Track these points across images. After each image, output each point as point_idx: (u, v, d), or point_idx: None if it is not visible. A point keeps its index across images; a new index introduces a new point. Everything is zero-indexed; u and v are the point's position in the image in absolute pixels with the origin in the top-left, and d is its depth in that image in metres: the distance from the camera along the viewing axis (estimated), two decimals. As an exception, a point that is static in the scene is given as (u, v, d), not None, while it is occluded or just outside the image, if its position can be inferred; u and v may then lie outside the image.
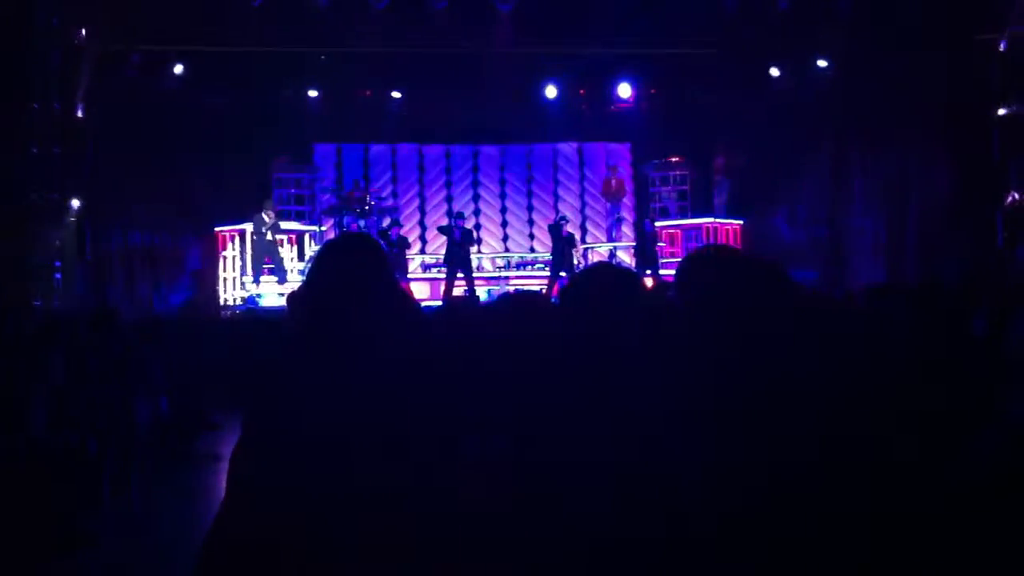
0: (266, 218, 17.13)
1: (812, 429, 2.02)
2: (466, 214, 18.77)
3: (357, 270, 2.44)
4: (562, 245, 17.60)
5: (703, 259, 2.42)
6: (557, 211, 20.51)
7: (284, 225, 17.97)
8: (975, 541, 2.01)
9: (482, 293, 17.04)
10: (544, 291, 15.75)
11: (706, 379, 2.13)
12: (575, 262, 17.77)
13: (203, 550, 2.21)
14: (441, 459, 2.19)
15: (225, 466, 2.34)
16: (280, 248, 17.52)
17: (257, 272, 17.26)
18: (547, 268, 18.34)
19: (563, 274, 16.95)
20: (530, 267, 19.85)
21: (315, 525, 2.13)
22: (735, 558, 1.96)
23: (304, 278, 2.60)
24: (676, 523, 1.99)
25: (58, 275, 14.68)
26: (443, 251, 17.78)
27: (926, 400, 2.53)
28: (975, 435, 2.32)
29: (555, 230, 17.81)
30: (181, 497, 8.17)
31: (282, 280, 16.91)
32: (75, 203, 15.46)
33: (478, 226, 20.71)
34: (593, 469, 2.09)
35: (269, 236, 17.15)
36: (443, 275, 17.48)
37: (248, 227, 17.45)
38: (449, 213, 19.42)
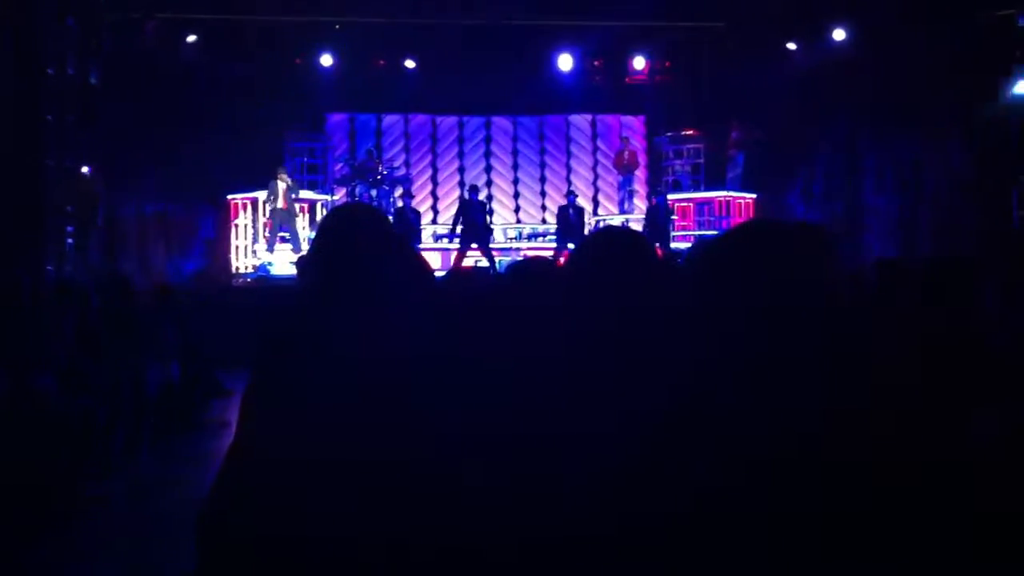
0: (281, 184, 17.16)
1: (819, 403, 2.01)
2: (479, 186, 18.77)
3: (364, 232, 2.45)
4: (568, 219, 17.64)
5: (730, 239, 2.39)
6: (569, 183, 20.57)
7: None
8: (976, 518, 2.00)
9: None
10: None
11: (717, 347, 2.12)
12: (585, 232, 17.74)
13: (207, 503, 2.23)
14: (443, 427, 2.19)
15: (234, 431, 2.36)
16: (296, 217, 17.53)
17: (272, 240, 17.29)
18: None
19: (571, 246, 16.94)
20: (542, 238, 19.83)
21: (318, 485, 2.14)
22: (747, 536, 1.95)
23: (311, 242, 2.63)
24: (683, 496, 1.99)
25: (70, 241, 14.72)
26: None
27: (933, 376, 2.52)
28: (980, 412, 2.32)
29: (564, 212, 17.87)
30: (191, 462, 8.22)
31: (296, 248, 16.92)
32: (88, 170, 15.47)
33: (490, 197, 20.70)
34: (597, 438, 2.09)
35: (281, 203, 17.15)
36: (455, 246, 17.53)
37: (261, 195, 17.46)
38: (462, 185, 19.44)
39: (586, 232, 17.74)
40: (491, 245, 17.70)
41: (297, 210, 17.63)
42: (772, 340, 2.06)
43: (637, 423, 2.06)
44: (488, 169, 21.14)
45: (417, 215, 18.16)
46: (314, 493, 2.15)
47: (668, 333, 2.19)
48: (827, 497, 1.93)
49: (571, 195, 18.44)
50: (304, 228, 17.85)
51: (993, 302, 4.24)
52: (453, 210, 18.66)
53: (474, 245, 16.99)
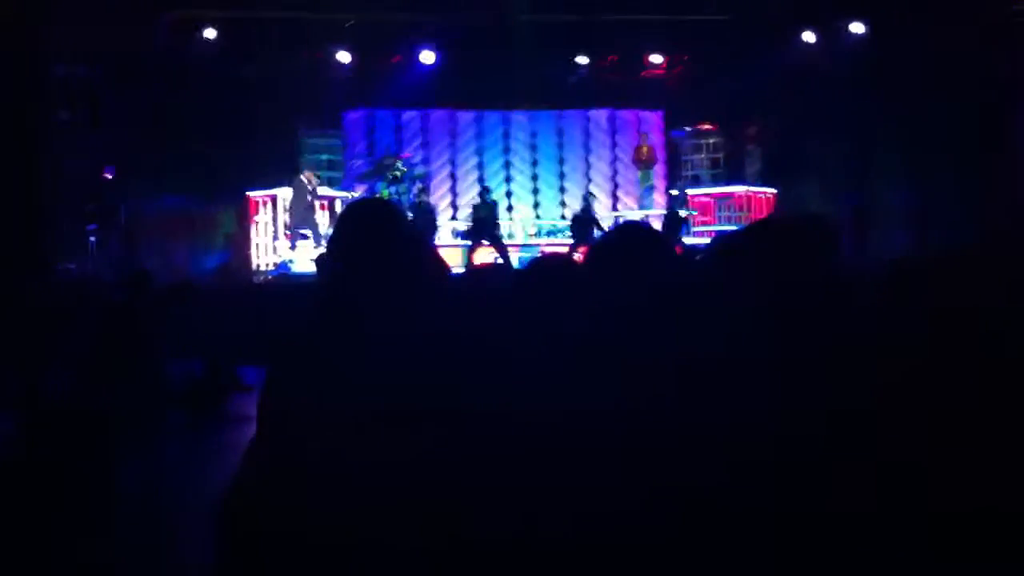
0: (306, 181, 17.20)
1: (823, 401, 2.02)
2: (492, 187, 18.92)
3: (381, 229, 2.47)
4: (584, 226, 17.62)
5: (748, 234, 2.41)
6: (589, 179, 20.59)
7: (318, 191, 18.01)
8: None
9: (513, 259, 17.01)
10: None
11: (734, 343, 2.14)
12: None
13: (226, 495, 2.26)
14: (462, 423, 2.21)
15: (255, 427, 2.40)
16: (317, 213, 17.59)
17: (295, 237, 17.30)
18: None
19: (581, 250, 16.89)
20: (561, 234, 19.79)
21: (337, 478, 2.17)
22: (753, 534, 1.97)
23: (329, 239, 2.65)
24: (692, 495, 2.01)
25: (92, 239, 14.80)
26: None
27: (941, 373, 2.53)
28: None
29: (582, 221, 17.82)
30: (212, 456, 8.26)
31: (318, 244, 16.90)
32: (109, 168, 15.56)
33: (509, 193, 20.71)
34: (608, 436, 2.11)
35: (309, 199, 17.21)
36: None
37: (287, 192, 17.49)
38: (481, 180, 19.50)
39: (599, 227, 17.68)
40: (511, 241, 17.70)
41: (317, 207, 17.67)
42: (778, 337, 2.09)
43: (649, 419, 2.09)
44: (506, 165, 21.11)
45: (433, 210, 18.18)
46: (333, 486, 2.18)
47: (684, 330, 2.21)
48: (833, 496, 1.95)
49: (586, 197, 18.42)
50: (324, 224, 17.87)
51: (1004, 299, 4.22)
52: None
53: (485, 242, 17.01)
